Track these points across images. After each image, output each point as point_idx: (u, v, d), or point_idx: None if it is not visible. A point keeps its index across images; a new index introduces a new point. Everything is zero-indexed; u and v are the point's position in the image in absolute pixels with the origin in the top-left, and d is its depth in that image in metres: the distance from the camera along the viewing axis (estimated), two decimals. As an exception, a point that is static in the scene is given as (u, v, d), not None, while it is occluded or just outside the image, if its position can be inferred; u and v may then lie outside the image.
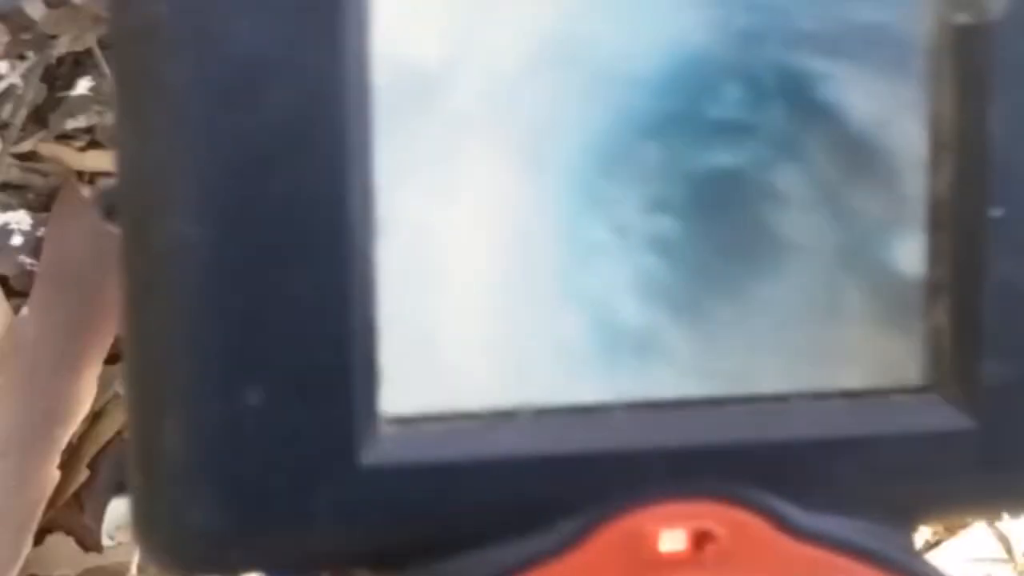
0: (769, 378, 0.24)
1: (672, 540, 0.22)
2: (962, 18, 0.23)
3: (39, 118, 0.85)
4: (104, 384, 0.86)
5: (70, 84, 0.82)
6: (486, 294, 0.23)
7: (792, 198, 0.23)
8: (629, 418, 0.23)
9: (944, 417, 0.23)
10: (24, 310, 0.87)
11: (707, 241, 0.23)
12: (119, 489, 0.24)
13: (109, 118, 0.83)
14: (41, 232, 0.86)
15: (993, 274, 0.23)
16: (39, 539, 0.80)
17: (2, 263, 0.87)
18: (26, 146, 0.86)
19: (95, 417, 0.88)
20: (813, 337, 0.24)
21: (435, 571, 0.22)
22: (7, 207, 0.86)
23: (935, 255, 0.24)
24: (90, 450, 0.87)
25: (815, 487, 0.23)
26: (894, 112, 0.23)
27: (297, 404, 0.21)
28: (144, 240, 0.21)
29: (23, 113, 0.84)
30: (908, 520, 0.24)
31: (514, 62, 0.22)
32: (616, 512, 0.22)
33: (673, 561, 0.22)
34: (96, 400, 0.86)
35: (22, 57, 0.83)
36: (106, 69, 0.78)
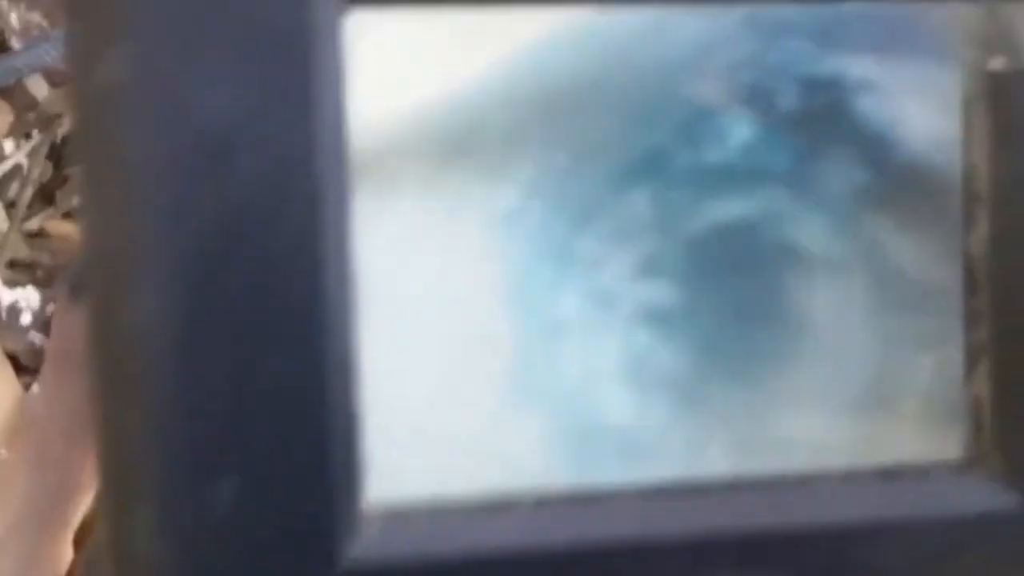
0: (792, 459, 0.22)
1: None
2: (996, 64, 0.21)
3: (46, 196, 0.85)
4: (117, 460, 0.85)
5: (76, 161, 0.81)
6: (467, 378, 0.21)
7: (813, 257, 0.22)
8: (634, 506, 0.21)
9: (985, 493, 0.22)
10: (34, 387, 0.85)
11: (712, 311, 0.21)
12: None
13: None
14: (50, 309, 0.86)
15: None
16: (52, 621, 0.79)
17: (12, 340, 0.86)
18: (34, 224, 0.85)
19: (108, 494, 0.86)
20: (841, 415, 0.22)
21: None
22: (16, 284, 0.86)
23: (973, 317, 0.22)
24: (103, 529, 0.86)
25: (849, 571, 0.21)
26: (928, 160, 0.22)
27: (275, 497, 0.20)
28: (111, 322, 0.20)
29: (29, 191, 0.83)
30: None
31: (487, 103, 0.21)
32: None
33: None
34: (109, 476, 0.85)
35: (28, 136, 0.83)
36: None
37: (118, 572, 0.20)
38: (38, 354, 0.87)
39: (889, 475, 0.22)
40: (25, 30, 0.72)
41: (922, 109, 0.22)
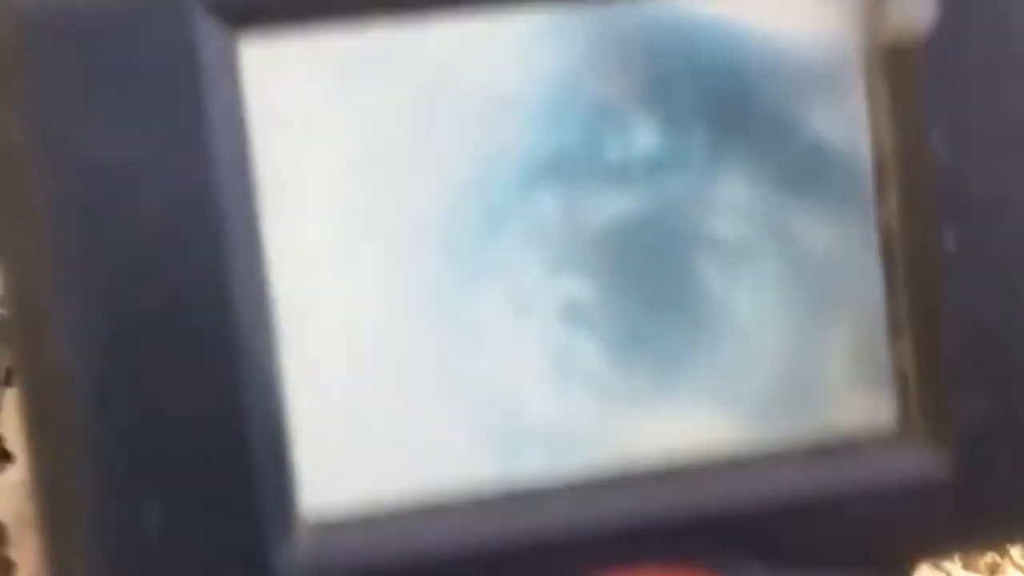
0: (726, 437, 0.22)
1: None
2: (889, 37, 0.22)
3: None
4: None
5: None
6: (392, 384, 0.21)
7: (726, 243, 0.22)
8: (574, 495, 0.21)
9: (916, 461, 0.22)
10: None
11: (628, 304, 0.22)
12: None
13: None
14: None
15: (951, 305, 0.21)
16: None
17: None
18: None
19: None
20: (767, 394, 0.22)
21: None
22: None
23: (892, 291, 0.22)
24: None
25: (785, 547, 0.21)
26: (835, 139, 0.22)
27: (205, 516, 0.20)
28: (33, 363, 0.20)
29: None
30: (891, 570, 0.22)
31: (388, 117, 0.21)
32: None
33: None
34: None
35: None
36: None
37: None
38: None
39: (819, 449, 0.22)
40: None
41: (825, 89, 0.22)
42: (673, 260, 0.22)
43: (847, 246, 0.22)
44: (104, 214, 0.19)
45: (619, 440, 0.22)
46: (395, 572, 0.20)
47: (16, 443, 0.77)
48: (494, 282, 0.21)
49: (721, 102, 0.21)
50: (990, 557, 0.93)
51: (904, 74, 0.21)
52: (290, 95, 0.20)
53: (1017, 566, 0.91)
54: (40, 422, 0.20)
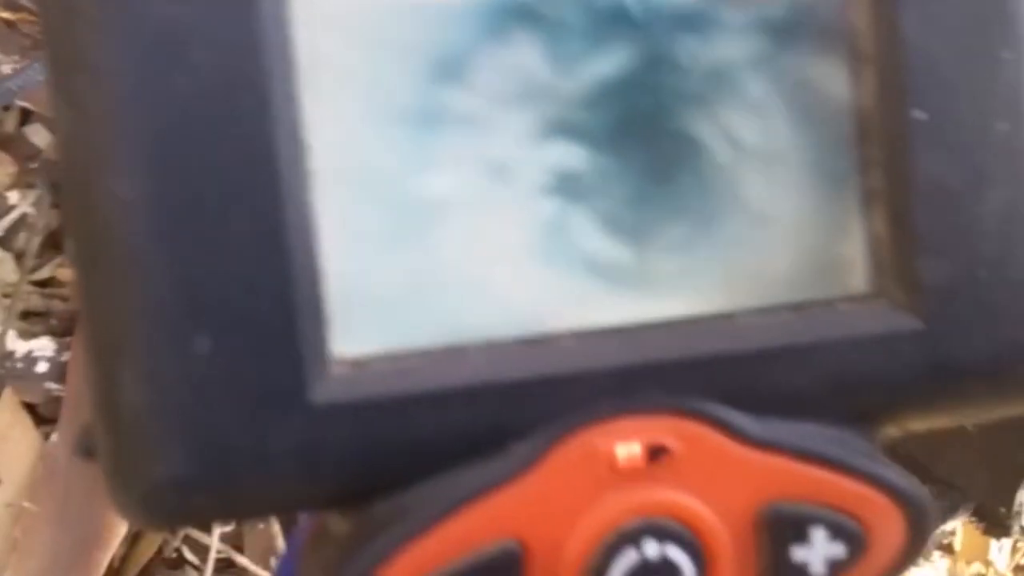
0: (713, 298, 0.24)
1: (628, 455, 0.23)
2: None
3: (54, 244, 0.87)
4: (139, 503, 0.87)
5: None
6: (420, 232, 0.23)
7: (715, 107, 0.24)
8: (577, 343, 0.23)
9: (889, 320, 0.24)
10: (54, 436, 0.87)
11: (623, 172, 0.23)
12: (88, 454, 0.25)
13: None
14: (65, 357, 0.88)
15: (922, 175, 0.24)
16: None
17: (29, 391, 0.88)
18: (44, 273, 0.87)
19: (134, 538, 0.88)
20: (754, 253, 0.24)
21: (395, 504, 0.23)
22: (30, 335, 0.87)
23: (867, 164, 0.24)
24: (132, 571, 0.87)
25: (767, 396, 0.23)
26: (814, 21, 0.24)
27: (246, 351, 0.22)
28: (86, 206, 0.22)
29: (37, 241, 0.85)
30: (866, 424, 0.24)
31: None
32: (569, 431, 0.22)
33: (630, 475, 0.23)
34: (132, 519, 0.86)
35: (32, 186, 0.85)
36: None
37: (108, 431, 0.22)
38: (56, 403, 0.89)
39: (800, 308, 0.24)
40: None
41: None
42: (662, 124, 0.23)
43: (825, 123, 0.24)
44: (159, 65, 0.21)
45: (609, 301, 0.23)
46: (415, 402, 0.22)
47: (2, 466, 0.78)
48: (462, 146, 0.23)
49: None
50: (975, 568, 0.94)
51: None
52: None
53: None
54: (90, 258, 0.22)
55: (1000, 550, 1.01)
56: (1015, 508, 0.73)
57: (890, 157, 0.23)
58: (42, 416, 0.86)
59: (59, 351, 0.86)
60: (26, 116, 0.84)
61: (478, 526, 0.22)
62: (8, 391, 0.84)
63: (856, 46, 0.24)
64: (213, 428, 0.22)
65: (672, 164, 0.23)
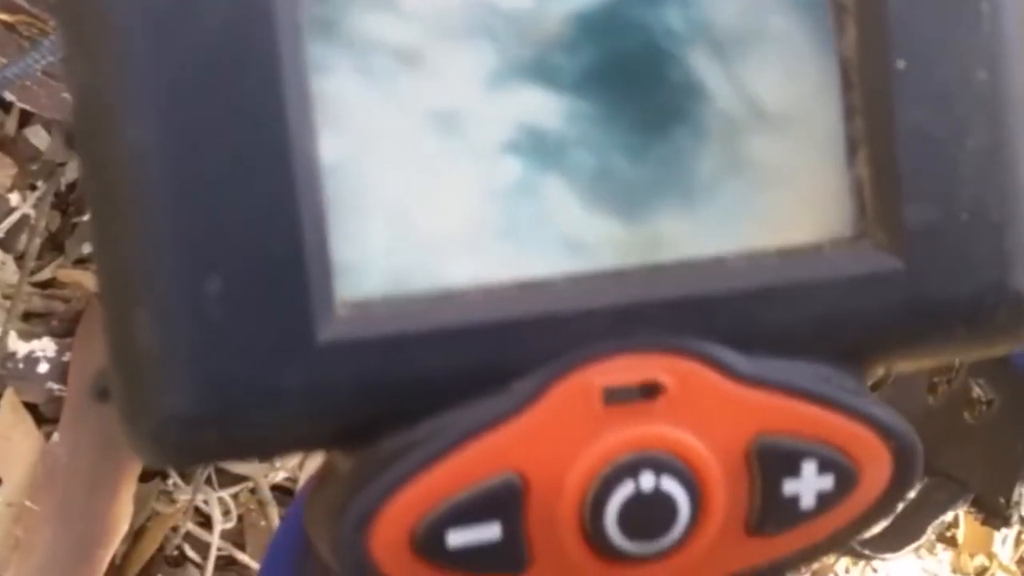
0: (704, 243, 0.25)
1: (623, 393, 0.24)
2: None
3: (55, 245, 0.88)
4: (141, 502, 0.87)
5: (83, 209, 0.84)
6: (424, 180, 0.24)
7: (699, 52, 0.25)
8: (574, 285, 0.24)
9: (872, 261, 0.25)
10: (55, 436, 0.88)
11: (610, 108, 0.24)
12: (103, 396, 0.25)
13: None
14: (67, 357, 0.88)
15: (903, 123, 0.24)
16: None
17: (31, 391, 0.88)
18: (45, 274, 0.88)
19: (136, 536, 0.89)
20: (742, 200, 0.25)
21: (399, 441, 0.23)
22: (31, 336, 0.88)
23: (849, 111, 0.25)
24: (133, 569, 0.88)
25: (756, 336, 0.24)
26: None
27: (255, 292, 0.23)
28: (99, 150, 0.23)
29: (38, 242, 0.86)
30: (853, 363, 0.25)
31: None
32: (567, 369, 0.23)
33: (625, 412, 0.24)
34: (135, 518, 0.87)
35: (32, 187, 0.86)
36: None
37: (122, 370, 0.23)
38: (57, 403, 0.89)
39: (787, 251, 0.25)
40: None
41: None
42: (641, 70, 0.24)
43: (809, 72, 0.25)
44: (170, 11, 0.22)
45: (599, 245, 0.24)
46: (416, 342, 0.23)
47: (4, 465, 0.79)
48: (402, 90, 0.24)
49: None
50: (979, 561, 0.94)
51: None
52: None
53: (1005, 568, 0.92)
54: (105, 202, 0.23)
55: (1004, 542, 1.02)
56: (1014, 499, 0.74)
57: (872, 105, 0.24)
58: (43, 416, 0.87)
59: (60, 352, 0.86)
60: (26, 118, 0.84)
61: (480, 461, 0.23)
62: (9, 391, 0.85)
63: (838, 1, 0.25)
64: (223, 366, 0.22)
65: (658, 113, 0.24)
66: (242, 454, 0.23)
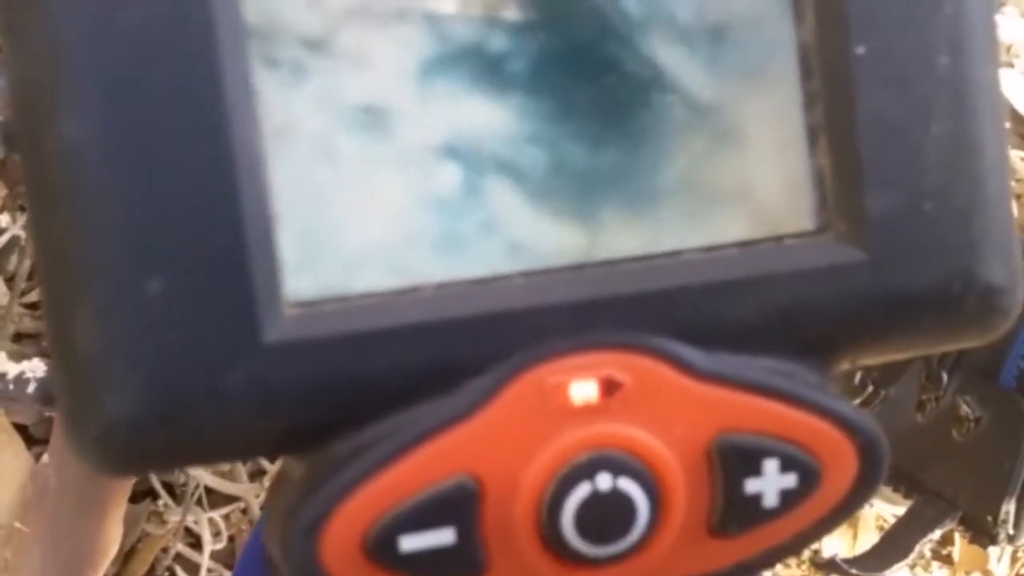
0: (661, 237, 0.24)
1: (577, 391, 0.23)
2: None
3: (45, 265, 0.87)
4: (131, 523, 0.87)
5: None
6: (369, 178, 0.23)
7: (651, 42, 0.24)
8: (528, 282, 0.23)
9: (835, 253, 0.24)
10: (45, 457, 0.87)
11: (560, 105, 0.24)
12: (47, 402, 0.25)
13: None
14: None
15: (864, 110, 0.24)
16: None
17: (20, 412, 0.88)
18: (35, 295, 0.88)
19: (126, 557, 0.88)
20: (700, 192, 0.24)
21: (350, 443, 0.23)
22: (21, 357, 0.88)
23: (809, 100, 0.24)
24: (124, 590, 0.87)
25: (716, 331, 0.24)
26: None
27: (199, 292, 0.22)
28: (37, 148, 0.22)
29: (28, 263, 0.86)
30: (819, 357, 0.24)
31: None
32: (521, 368, 0.23)
33: (582, 410, 0.23)
34: (125, 539, 0.87)
35: (23, 209, 0.86)
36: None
37: (65, 373, 0.22)
38: (47, 424, 0.89)
39: (746, 244, 0.24)
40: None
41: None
42: (595, 67, 0.24)
43: (769, 62, 0.24)
44: (106, 4, 0.21)
45: (551, 244, 0.24)
46: (366, 341, 0.23)
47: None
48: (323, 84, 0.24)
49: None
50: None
51: None
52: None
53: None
54: (44, 200, 0.22)
55: (999, 560, 1.01)
56: (1001, 517, 0.73)
57: (832, 92, 0.24)
58: (33, 437, 0.87)
59: (50, 372, 0.86)
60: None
61: (433, 463, 0.23)
62: (-1, 412, 0.85)
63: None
64: (167, 369, 0.22)
65: (612, 105, 0.24)
66: (190, 460, 0.23)
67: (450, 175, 0.23)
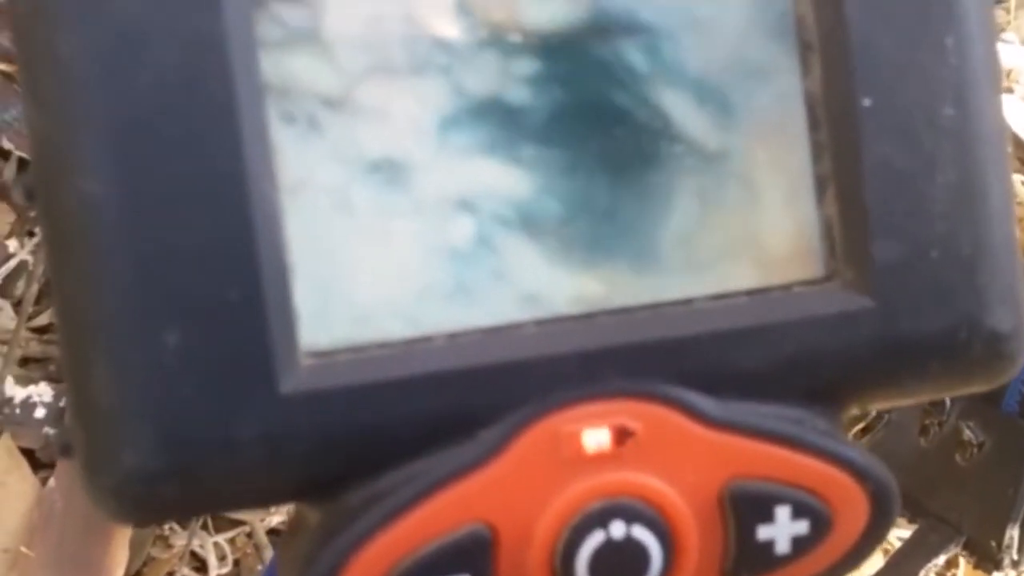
0: (671, 286, 0.24)
1: (593, 440, 0.23)
2: None
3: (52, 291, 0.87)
4: (137, 547, 0.87)
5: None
6: (384, 230, 0.24)
7: (663, 94, 0.24)
8: (540, 331, 0.24)
9: (842, 301, 0.24)
10: (51, 482, 0.88)
11: (572, 157, 0.24)
12: (65, 451, 0.25)
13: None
14: (63, 403, 0.88)
15: (870, 160, 0.24)
16: None
17: (27, 436, 0.88)
18: (42, 319, 0.88)
19: (131, 583, 0.88)
20: (710, 241, 0.25)
21: (365, 492, 0.23)
22: (28, 381, 0.88)
23: (817, 150, 0.25)
24: (130, 614, 0.87)
25: (726, 379, 0.24)
26: (762, 15, 0.25)
27: (216, 344, 0.22)
28: (56, 202, 0.23)
29: (35, 288, 0.86)
30: (827, 404, 0.25)
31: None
32: (534, 417, 0.23)
33: (595, 459, 0.23)
34: (131, 563, 0.87)
35: (31, 234, 0.86)
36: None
37: (82, 424, 0.23)
38: (54, 448, 0.89)
39: (756, 292, 0.24)
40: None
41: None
42: (607, 116, 0.24)
43: (777, 113, 0.25)
44: (123, 62, 0.22)
45: (573, 290, 0.24)
46: (381, 391, 0.23)
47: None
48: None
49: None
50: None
51: None
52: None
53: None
54: (62, 255, 0.22)
55: (1006, 585, 1.01)
56: (1005, 542, 0.73)
57: (839, 143, 0.24)
58: (39, 461, 0.87)
59: (57, 397, 0.86)
60: (24, 165, 0.84)
61: (448, 512, 0.23)
62: (6, 436, 0.85)
63: (803, 34, 0.24)
64: (183, 421, 0.22)
65: (625, 157, 0.24)
66: (205, 509, 0.23)
67: (463, 227, 0.23)
